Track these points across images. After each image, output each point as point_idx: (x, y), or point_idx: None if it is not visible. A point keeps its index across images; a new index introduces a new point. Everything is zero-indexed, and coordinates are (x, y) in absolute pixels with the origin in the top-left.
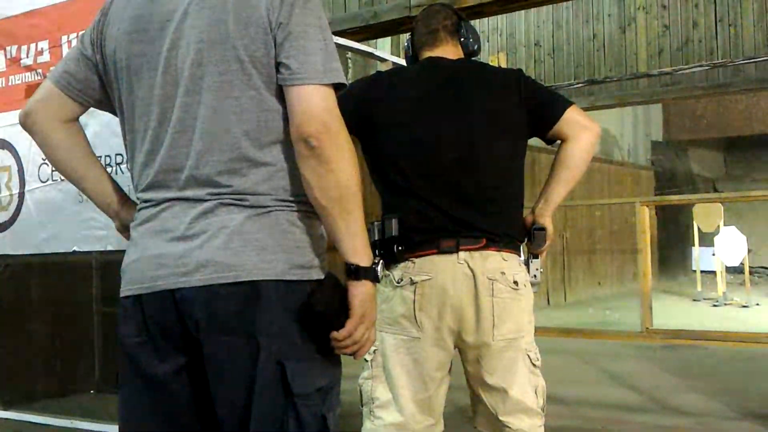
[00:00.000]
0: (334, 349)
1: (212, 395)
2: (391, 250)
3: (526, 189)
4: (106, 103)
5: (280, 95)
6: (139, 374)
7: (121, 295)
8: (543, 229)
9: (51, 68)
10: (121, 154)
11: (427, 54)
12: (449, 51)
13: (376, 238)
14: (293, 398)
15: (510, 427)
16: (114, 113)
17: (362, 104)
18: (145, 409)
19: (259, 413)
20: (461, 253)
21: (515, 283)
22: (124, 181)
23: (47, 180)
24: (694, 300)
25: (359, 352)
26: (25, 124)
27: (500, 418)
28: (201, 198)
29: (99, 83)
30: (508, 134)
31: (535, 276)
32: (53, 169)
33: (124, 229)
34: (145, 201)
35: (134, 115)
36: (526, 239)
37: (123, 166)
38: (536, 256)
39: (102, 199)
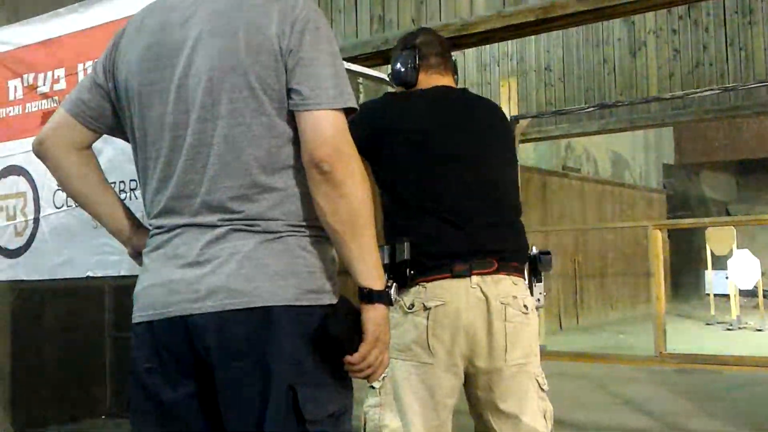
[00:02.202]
0: (348, 373)
1: (224, 421)
2: (401, 274)
3: (536, 212)
4: (119, 130)
5: (292, 121)
6: (151, 400)
7: (133, 321)
8: (549, 253)
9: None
10: (135, 180)
11: (435, 78)
12: (451, 80)
13: (386, 261)
14: (305, 424)
15: None
16: (127, 140)
17: (374, 125)
18: None
19: None
20: (474, 278)
21: (525, 307)
22: (138, 206)
23: (62, 206)
24: (708, 324)
25: (373, 375)
26: (39, 151)
27: None
28: (213, 224)
29: (111, 110)
30: (512, 160)
31: (539, 300)
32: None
33: (137, 255)
34: (158, 227)
35: (146, 142)
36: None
37: (137, 192)
38: (540, 280)
39: (114, 225)
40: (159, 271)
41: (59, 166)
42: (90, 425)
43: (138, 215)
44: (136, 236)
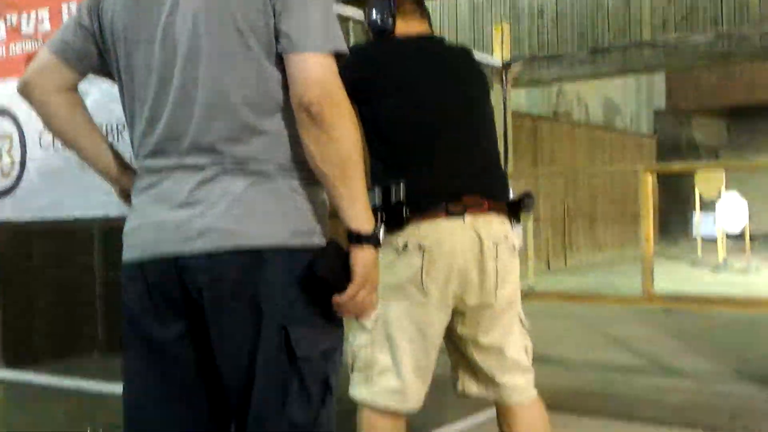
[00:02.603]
0: (336, 312)
1: (216, 360)
2: (395, 215)
3: (527, 157)
4: (105, 71)
5: (280, 64)
6: (143, 339)
7: (123, 261)
8: (531, 195)
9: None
10: (122, 122)
11: (412, 25)
12: (427, 27)
13: (378, 203)
14: (297, 362)
15: (507, 386)
16: (113, 81)
17: (364, 70)
18: (149, 373)
19: (264, 377)
20: (467, 217)
21: (513, 246)
22: (126, 148)
23: (48, 147)
24: (695, 265)
25: (361, 315)
26: (23, 92)
27: (496, 378)
28: (202, 165)
29: (97, 52)
30: (491, 109)
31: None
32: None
33: (125, 196)
34: (146, 169)
35: (133, 84)
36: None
37: (125, 134)
38: (518, 222)
39: (101, 165)
40: (148, 211)
41: (44, 107)
42: (82, 362)
43: (126, 157)
44: (123, 177)
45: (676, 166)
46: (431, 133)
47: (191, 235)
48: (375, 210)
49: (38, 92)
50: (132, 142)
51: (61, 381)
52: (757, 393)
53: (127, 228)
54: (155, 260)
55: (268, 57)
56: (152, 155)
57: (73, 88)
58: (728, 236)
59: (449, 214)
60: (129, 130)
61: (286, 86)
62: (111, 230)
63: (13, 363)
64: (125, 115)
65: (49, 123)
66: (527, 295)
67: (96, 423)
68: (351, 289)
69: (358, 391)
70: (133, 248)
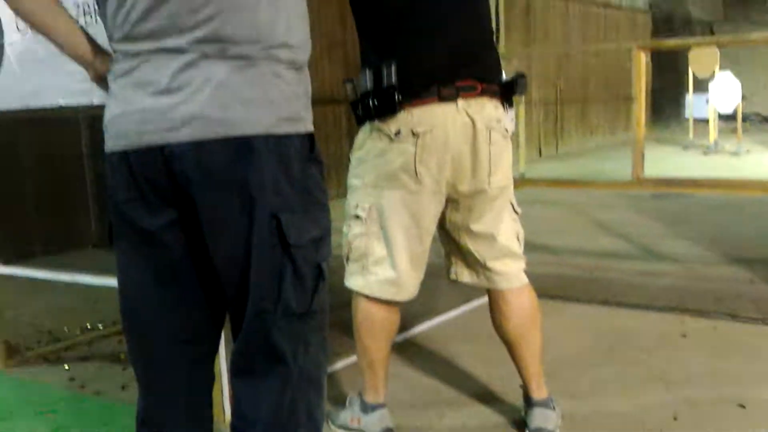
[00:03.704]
0: (325, 198)
1: (208, 247)
2: (387, 100)
3: (519, 34)
4: None
5: None
6: (132, 228)
7: (106, 150)
8: (524, 76)
9: None
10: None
11: None
12: None
13: (369, 87)
14: (290, 248)
15: (497, 272)
16: None
17: None
18: (141, 262)
19: (258, 264)
20: (460, 102)
21: (506, 131)
22: (101, 29)
23: (26, 30)
24: (686, 148)
25: None
26: None
27: (488, 264)
28: (181, 47)
29: None
30: None
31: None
32: None
33: (100, 80)
34: (122, 52)
35: None
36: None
37: None
38: (511, 106)
39: (73, 49)
40: (129, 98)
41: None
42: (76, 256)
43: (99, 40)
44: (97, 60)
45: (671, 43)
46: (421, 12)
47: (176, 123)
48: (366, 94)
49: None
50: (105, 24)
51: (57, 275)
52: (741, 275)
53: (107, 117)
54: (140, 150)
55: None
56: (129, 38)
57: None
58: (721, 117)
59: (442, 98)
60: (101, 10)
61: None
62: (97, 118)
63: (8, 260)
64: None
65: (14, 5)
66: (518, 182)
67: (95, 315)
68: None
69: (354, 281)
70: (116, 138)
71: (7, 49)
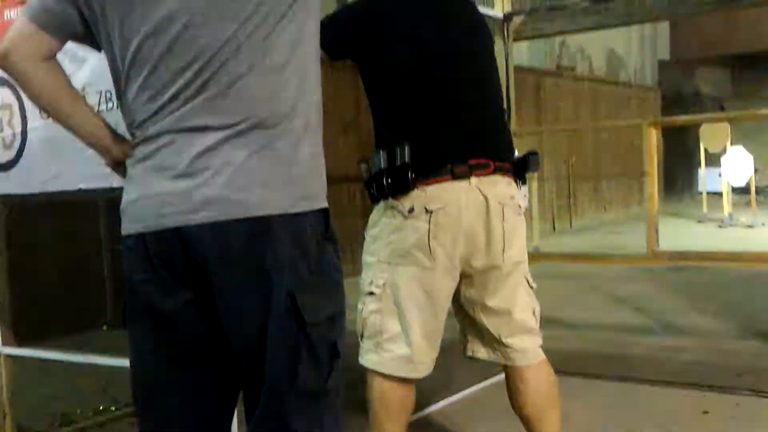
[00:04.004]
0: (340, 276)
1: (225, 328)
2: (400, 178)
3: (530, 113)
4: (87, 38)
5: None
6: (147, 310)
7: (123, 233)
8: (536, 153)
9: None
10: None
11: None
12: None
13: (383, 166)
14: (305, 327)
15: (513, 348)
16: (97, 48)
17: (364, 24)
18: (155, 344)
19: (274, 342)
20: (473, 179)
21: (519, 207)
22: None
23: (49, 117)
24: (700, 221)
25: None
26: (4, 65)
27: (504, 340)
28: (201, 126)
29: (79, 17)
30: (495, 61)
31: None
32: None
33: (117, 166)
34: (141, 137)
35: (127, 49)
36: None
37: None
38: (524, 183)
39: (91, 136)
40: (147, 182)
41: (28, 78)
42: (91, 336)
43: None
44: (114, 146)
45: (681, 119)
46: (436, 92)
47: (195, 206)
48: (380, 173)
49: (21, 64)
50: (123, 111)
51: (70, 356)
52: (763, 350)
53: (125, 201)
54: (157, 231)
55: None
56: (148, 122)
57: (53, 57)
58: (734, 190)
59: (455, 176)
60: (119, 99)
61: (283, 45)
62: (115, 201)
63: (23, 340)
64: (115, 82)
65: (32, 94)
66: (532, 256)
67: (107, 397)
68: None
69: (368, 358)
70: (134, 221)
71: (30, 135)
